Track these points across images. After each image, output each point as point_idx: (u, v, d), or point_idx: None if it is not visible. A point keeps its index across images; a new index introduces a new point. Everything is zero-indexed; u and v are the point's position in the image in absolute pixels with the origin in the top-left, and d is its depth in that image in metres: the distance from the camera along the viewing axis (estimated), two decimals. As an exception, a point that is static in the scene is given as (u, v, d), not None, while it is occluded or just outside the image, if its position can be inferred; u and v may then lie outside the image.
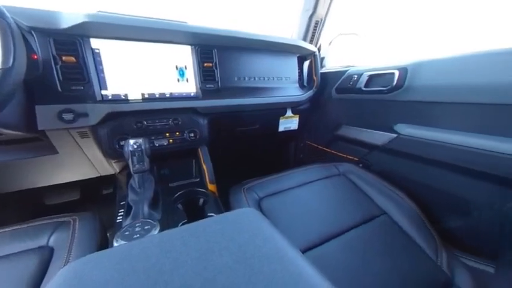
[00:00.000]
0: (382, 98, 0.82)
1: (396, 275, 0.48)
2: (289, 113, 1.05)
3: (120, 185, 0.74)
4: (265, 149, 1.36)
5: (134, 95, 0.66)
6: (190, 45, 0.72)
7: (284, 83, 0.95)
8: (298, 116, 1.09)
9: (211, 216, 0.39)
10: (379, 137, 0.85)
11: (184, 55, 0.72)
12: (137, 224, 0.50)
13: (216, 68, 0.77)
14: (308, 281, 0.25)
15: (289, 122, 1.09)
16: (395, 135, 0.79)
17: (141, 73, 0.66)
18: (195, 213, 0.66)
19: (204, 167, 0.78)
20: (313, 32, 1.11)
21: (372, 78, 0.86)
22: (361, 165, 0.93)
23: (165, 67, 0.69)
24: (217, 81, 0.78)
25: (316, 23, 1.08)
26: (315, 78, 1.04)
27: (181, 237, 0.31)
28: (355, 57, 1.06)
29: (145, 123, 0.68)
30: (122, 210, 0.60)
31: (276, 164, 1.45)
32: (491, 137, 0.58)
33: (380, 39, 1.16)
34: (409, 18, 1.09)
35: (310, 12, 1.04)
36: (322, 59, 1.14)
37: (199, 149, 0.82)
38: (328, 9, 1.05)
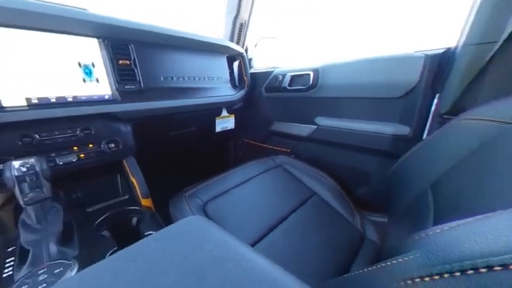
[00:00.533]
0: (303, 95, 0.95)
1: (327, 243, 0.57)
2: (224, 112, 1.05)
3: (3, 225, 0.54)
4: (204, 151, 1.31)
5: (13, 100, 0.49)
6: (97, 38, 0.60)
7: (216, 83, 0.94)
8: (233, 115, 1.10)
9: (150, 234, 0.34)
10: (304, 129, 0.98)
11: (89, 50, 0.59)
12: (41, 271, 0.38)
13: (136, 66, 0.67)
14: (260, 271, 0.26)
15: (226, 122, 1.09)
16: (315, 126, 0.94)
17: (24, 72, 0.50)
18: (129, 236, 0.57)
19: (133, 180, 0.67)
20: (239, 34, 1.14)
21: (294, 78, 0.98)
22: (293, 155, 1.05)
23: (63, 64, 0.55)
24: (139, 81, 0.68)
25: (241, 25, 1.12)
26: (245, 78, 1.08)
27: (112, 268, 0.26)
28: (277, 59, 1.18)
29: (37, 136, 0.52)
30: (12, 258, 0.44)
31: (217, 165, 1.43)
32: (376, 123, 0.78)
33: (296, 43, 1.33)
34: (318, 26, 1.30)
35: (234, 15, 1.07)
36: (250, 59, 1.20)
37: (124, 161, 0.70)
38: (250, 13, 1.11)
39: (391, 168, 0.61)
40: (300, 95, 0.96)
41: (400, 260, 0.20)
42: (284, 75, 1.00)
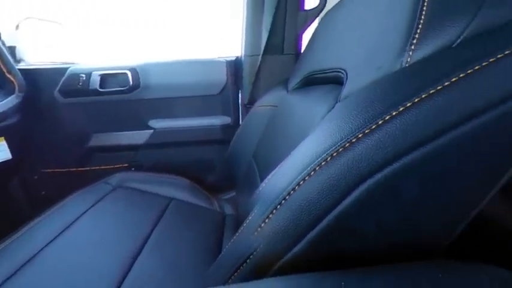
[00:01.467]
0: (126, 98, 0.81)
1: (198, 238, 0.58)
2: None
3: None
4: None
5: None
6: None
7: None
8: (3, 138, 0.68)
9: None
10: (140, 136, 0.87)
11: None
12: None
13: None
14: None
15: (-13, 152, 0.64)
16: (152, 130, 0.87)
17: None
18: None
19: None
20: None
21: (106, 78, 0.79)
22: (133, 168, 0.89)
23: None
24: None
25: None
26: (11, 77, 0.69)
27: None
28: (66, 51, 0.88)
29: None
30: None
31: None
32: (206, 117, 0.89)
33: (90, 32, 1.07)
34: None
35: None
36: (13, 48, 0.77)
37: None
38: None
39: (227, 151, 0.74)
40: (122, 98, 0.81)
41: (250, 218, 0.26)
42: (89, 74, 0.78)
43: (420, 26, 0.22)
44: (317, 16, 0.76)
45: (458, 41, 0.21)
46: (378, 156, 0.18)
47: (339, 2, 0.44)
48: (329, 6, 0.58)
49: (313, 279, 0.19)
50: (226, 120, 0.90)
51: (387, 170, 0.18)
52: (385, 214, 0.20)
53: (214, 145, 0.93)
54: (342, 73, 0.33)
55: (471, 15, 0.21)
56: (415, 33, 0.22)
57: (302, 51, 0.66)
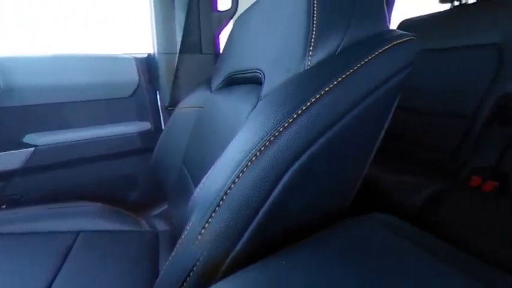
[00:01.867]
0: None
1: (130, 269, 0.48)
2: None
3: None
4: None
5: None
6: None
7: None
8: None
9: None
10: (10, 159, 0.62)
11: None
12: None
13: None
14: None
15: None
16: (32, 148, 0.64)
17: None
18: None
19: None
20: None
21: None
22: (4, 206, 0.63)
23: None
24: None
25: None
26: None
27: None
28: None
29: None
30: None
31: None
32: (117, 124, 0.74)
33: None
34: None
35: None
36: None
37: None
38: None
39: (150, 160, 0.65)
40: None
41: (188, 227, 0.24)
42: None
43: (313, 37, 0.27)
44: (231, 18, 0.78)
45: (339, 50, 0.27)
46: (296, 145, 0.21)
47: (251, 5, 0.47)
48: (241, 9, 0.61)
49: (259, 269, 0.20)
50: (145, 125, 0.79)
51: (305, 155, 0.21)
52: (307, 193, 0.23)
53: (132, 156, 0.79)
54: (260, 73, 0.36)
55: (343, 32, 0.28)
56: (310, 42, 0.27)
57: (221, 51, 0.67)
